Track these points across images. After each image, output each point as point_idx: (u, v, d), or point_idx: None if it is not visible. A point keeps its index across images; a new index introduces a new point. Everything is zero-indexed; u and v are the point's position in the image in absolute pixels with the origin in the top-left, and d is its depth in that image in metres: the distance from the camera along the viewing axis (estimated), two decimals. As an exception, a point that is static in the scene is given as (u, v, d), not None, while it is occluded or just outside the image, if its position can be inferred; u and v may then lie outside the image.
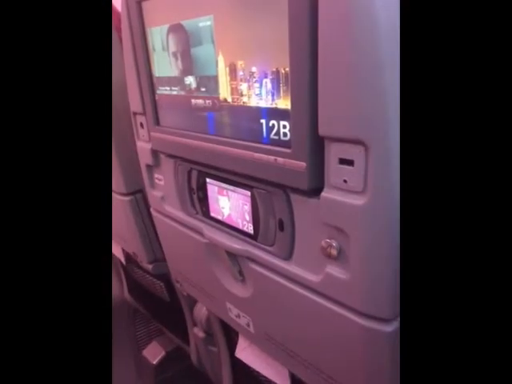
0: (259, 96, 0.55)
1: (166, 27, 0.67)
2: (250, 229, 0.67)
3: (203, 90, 0.65)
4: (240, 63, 0.56)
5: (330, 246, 0.52)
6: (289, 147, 0.52)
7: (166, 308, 1.35)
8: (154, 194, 0.91)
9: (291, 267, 0.60)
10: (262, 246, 0.65)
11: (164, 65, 0.72)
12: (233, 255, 0.73)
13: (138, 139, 0.89)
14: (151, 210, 0.96)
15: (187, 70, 0.67)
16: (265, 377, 0.87)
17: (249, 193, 0.65)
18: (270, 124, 0.54)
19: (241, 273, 0.73)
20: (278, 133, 0.54)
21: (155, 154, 0.85)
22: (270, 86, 0.53)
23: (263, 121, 0.55)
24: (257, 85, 0.54)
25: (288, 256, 0.61)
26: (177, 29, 0.65)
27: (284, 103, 0.51)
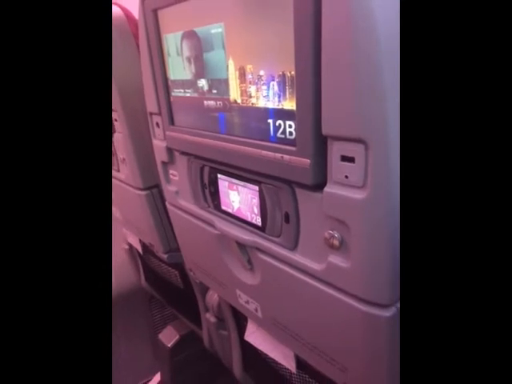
0: (267, 98, 0.55)
1: (180, 34, 0.68)
2: (258, 221, 0.68)
3: (215, 92, 0.65)
4: (249, 67, 0.56)
5: (333, 236, 0.52)
6: (294, 145, 0.52)
7: (180, 295, 1.36)
8: (169, 189, 0.91)
9: (296, 257, 0.61)
10: (269, 237, 0.66)
11: (178, 69, 0.72)
12: (242, 245, 0.73)
13: (154, 138, 0.89)
14: (166, 203, 0.96)
15: (200, 73, 0.67)
16: (272, 359, 0.88)
17: (257, 188, 0.65)
18: (277, 124, 0.55)
19: (249, 262, 0.74)
20: (284, 132, 0.54)
21: (170, 151, 0.86)
22: (276, 88, 0.53)
23: (270, 121, 0.56)
24: (264, 87, 0.55)
25: (293, 246, 0.61)
26: (190, 35, 0.66)
27: (290, 104, 0.52)
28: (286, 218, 0.61)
